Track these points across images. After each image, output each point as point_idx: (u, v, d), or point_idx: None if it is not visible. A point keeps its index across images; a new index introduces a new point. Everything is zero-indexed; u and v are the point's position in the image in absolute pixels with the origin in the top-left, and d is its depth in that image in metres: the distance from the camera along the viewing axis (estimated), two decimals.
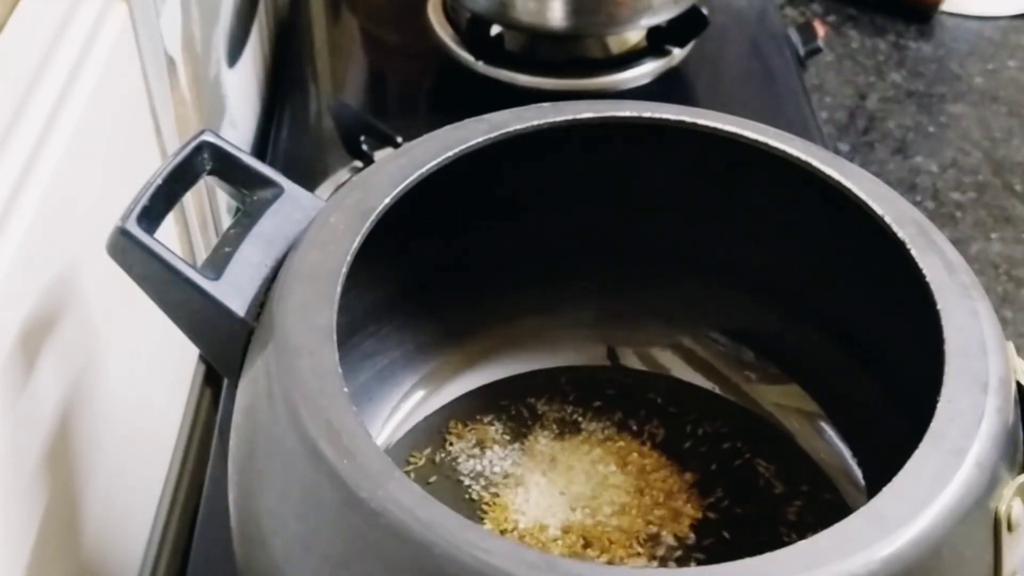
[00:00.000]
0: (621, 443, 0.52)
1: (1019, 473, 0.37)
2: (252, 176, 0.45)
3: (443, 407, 0.54)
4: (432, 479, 0.51)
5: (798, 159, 0.46)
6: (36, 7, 0.44)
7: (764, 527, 0.49)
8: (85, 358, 0.47)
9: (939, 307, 0.40)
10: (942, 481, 0.35)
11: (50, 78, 0.45)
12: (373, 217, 0.43)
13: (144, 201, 0.42)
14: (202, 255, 0.62)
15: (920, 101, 1.04)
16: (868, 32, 1.10)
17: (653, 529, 0.48)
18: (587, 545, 0.47)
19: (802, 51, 0.87)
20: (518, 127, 0.47)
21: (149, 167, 0.45)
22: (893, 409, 0.49)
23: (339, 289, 0.40)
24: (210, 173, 0.44)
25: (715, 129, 0.47)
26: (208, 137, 0.44)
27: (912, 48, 1.08)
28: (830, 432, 0.52)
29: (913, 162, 0.88)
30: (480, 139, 0.46)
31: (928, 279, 0.41)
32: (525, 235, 0.53)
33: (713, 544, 0.48)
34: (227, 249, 0.43)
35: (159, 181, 0.42)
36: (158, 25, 0.55)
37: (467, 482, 0.51)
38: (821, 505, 0.50)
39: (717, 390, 0.54)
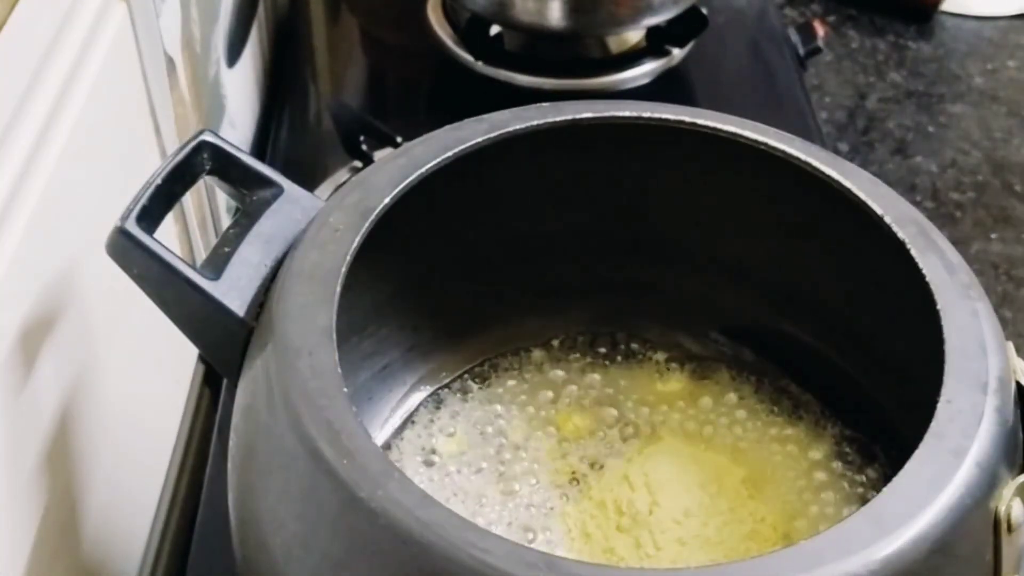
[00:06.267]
0: (620, 442, 0.52)
1: (1019, 473, 0.37)
2: (251, 176, 0.45)
3: (443, 407, 0.54)
4: (431, 479, 0.51)
5: (798, 159, 0.46)
6: (36, 7, 0.44)
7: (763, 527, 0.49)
8: (84, 358, 0.47)
9: (939, 307, 0.40)
10: (942, 481, 0.35)
11: (49, 78, 0.45)
12: (373, 217, 0.43)
13: (143, 201, 0.42)
14: (202, 255, 0.62)
15: (920, 101, 1.04)
16: (868, 32, 1.10)
17: (645, 518, 0.48)
18: (581, 536, 0.47)
19: (802, 51, 0.87)
20: (518, 127, 0.47)
21: (148, 167, 0.46)
22: (893, 409, 0.49)
23: (339, 289, 0.40)
24: (209, 173, 0.44)
25: (715, 129, 0.47)
26: (207, 137, 0.44)
27: (912, 48, 1.08)
28: (830, 432, 0.52)
29: (913, 162, 0.88)
30: (480, 139, 0.46)
31: (928, 279, 0.41)
32: (524, 235, 0.53)
33: (710, 542, 0.48)
34: (226, 249, 0.43)
35: (158, 181, 0.42)
36: (157, 25, 0.55)
37: (466, 482, 0.50)
38: (821, 505, 0.50)
39: (716, 390, 0.54)
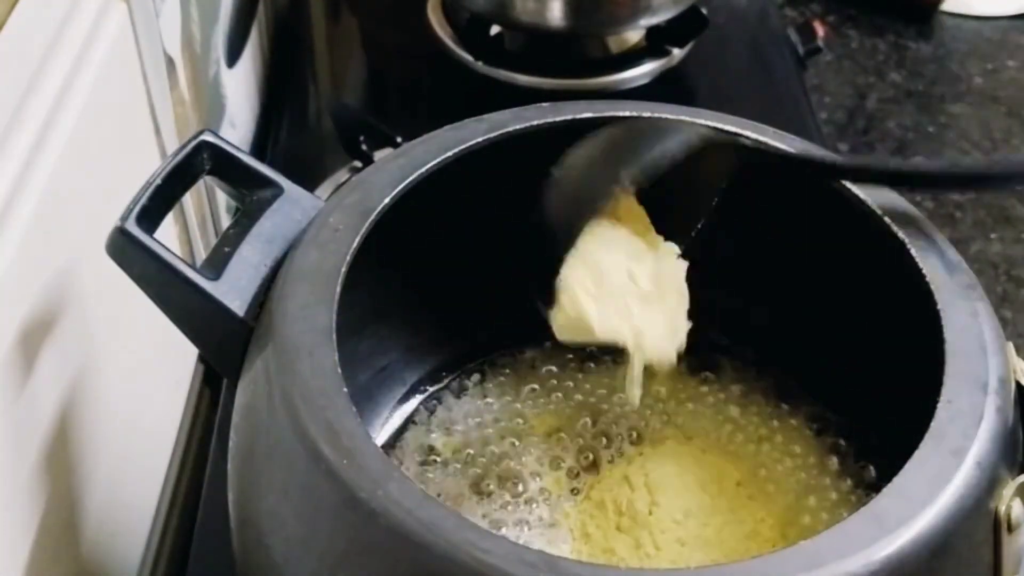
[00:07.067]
0: (619, 442, 0.52)
1: (1019, 473, 0.37)
2: (251, 176, 0.45)
3: (441, 406, 0.54)
4: (428, 478, 0.51)
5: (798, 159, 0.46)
6: (36, 7, 0.44)
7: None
8: (84, 358, 0.47)
9: (939, 307, 0.40)
10: (942, 481, 0.35)
11: (49, 77, 0.45)
12: (373, 217, 0.43)
13: (143, 201, 0.42)
14: (201, 255, 0.62)
15: (919, 101, 1.04)
16: (868, 32, 1.10)
17: (643, 512, 0.48)
18: (580, 536, 0.47)
19: (802, 51, 0.87)
20: (518, 127, 0.47)
21: (148, 167, 0.46)
22: (893, 409, 0.49)
23: (339, 289, 0.40)
24: (209, 173, 0.45)
25: (715, 129, 0.47)
26: (207, 137, 0.44)
27: (912, 48, 1.08)
28: (830, 432, 0.52)
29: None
30: (480, 139, 0.46)
31: (928, 279, 0.41)
32: (525, 235, 0.53)
33: (710, 543, 0.48)
34: (226, 249, 0.43)
35: (158, 181, 0.42)
36: (157, 25, 0.55)
37: (463, 481, 0.50)
38: (821, 505, 0.49)
39: (716, 390, 0.54)
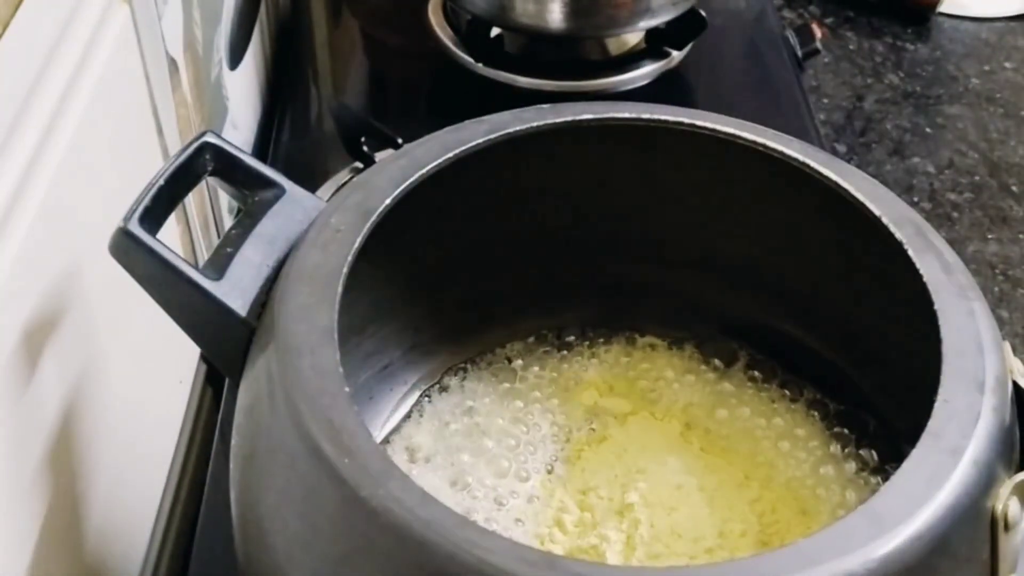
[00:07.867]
0: (615, 439, 0.52)
1: (1016, 472, 0.37)
2: (253, 177, 0.45)
3: (443, 407, 0.54)
4: (431, 479, 0.51)
5: (796, 160, 0.46)
6: (39, 8, 0.44)
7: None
8: (87, 358, 0.48)
9: (936, 307, 0.40)
10: (939, 480, 0.35)
11: (53, 79, 0.45)
12: (374, 218, 0.43)
13: (146, 202, 0.42)
14: (204, 255, 0.62)
15: (917, 102, 1.04)
16: (865, 34, 1.10)
17: (639, 516, 0.48)
18: (574, 532, 0.48)
19: (800, 53, 0.87)
20: (518, 128, 0.47)
21: (151, 168, 0.46)
22: (891, 408, 0.50)
23: (340, 289, 0.40)
24: (212, 174, 0.45)
25: (713, 130, 0.47)
26: (210, 138, 0.44)
27: (909, 50, 1.08)
28: (827, 431, 0.52)
29: (910, 163, 0.89)
30: (480, 140, 0.46)
31: (925, 279, 0.41)
32: (525, 235, 0.53)
33: (706, 539, 0.48)
34: (228, 249, 0.43)
35: (161, 182, 0.43)
36: (160, 27, 0.55)
37: (453, 478, 0.51)
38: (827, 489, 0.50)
39: (715, 382, 0.55)
